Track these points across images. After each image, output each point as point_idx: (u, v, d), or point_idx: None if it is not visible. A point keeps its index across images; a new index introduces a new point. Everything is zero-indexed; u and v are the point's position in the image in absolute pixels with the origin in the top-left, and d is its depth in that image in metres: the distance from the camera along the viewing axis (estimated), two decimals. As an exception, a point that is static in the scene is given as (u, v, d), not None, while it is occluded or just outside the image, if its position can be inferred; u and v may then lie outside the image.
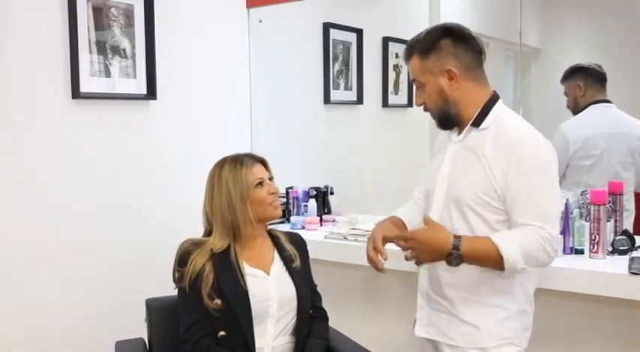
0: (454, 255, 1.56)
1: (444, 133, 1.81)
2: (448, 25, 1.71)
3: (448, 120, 1.72)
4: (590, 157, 2.69)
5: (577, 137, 2.70)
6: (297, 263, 1.96)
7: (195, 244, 1.89)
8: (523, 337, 1.70)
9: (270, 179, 1.97)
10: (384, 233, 1.72)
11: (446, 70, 1.66)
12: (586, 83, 2.78)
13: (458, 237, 1.58)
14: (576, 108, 2.84)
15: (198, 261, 1.84)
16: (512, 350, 1.67)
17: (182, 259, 1.86)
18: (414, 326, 1.82)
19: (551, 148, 1.65)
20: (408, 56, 1.73)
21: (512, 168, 1.58)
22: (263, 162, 1.98)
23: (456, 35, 1.68)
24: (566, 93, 2.88)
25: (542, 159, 1.61)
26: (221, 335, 1.80)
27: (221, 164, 1.94)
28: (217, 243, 1.88)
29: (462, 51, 1.67)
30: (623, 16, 3.29)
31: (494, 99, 1.70)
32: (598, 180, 2.52)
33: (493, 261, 1.56)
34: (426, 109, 1.75)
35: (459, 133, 1.73)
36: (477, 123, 1.68)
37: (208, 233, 1.94)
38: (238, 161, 1.93)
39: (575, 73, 2.84)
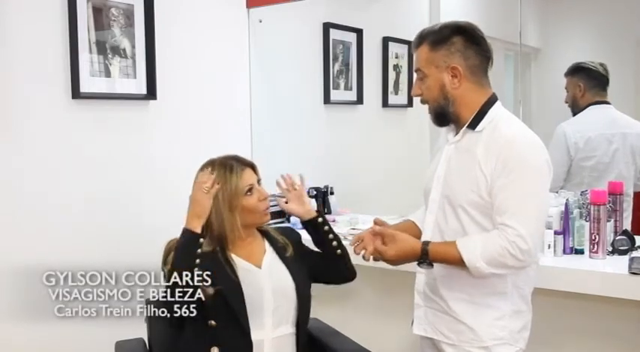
0: (423, 264, 1.66)
1: (443, 134, 1.81)
2: (464, 24, 1.72)
3: (445, 116, 1.72)
4: (591, 158, 2.69)
5: (578, 138, 2.70)
6: (290, 251, 1.95)
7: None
8: (520, 337, 1.70)
9: (259, 182, 1.94)
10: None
11: (451, 67, 1.67)
12: (587, 84, 2.77)
13: (426, 244, 1.65)
14: (574, 107, 2.83)
15: None
16: (508, 351, 1.67)
17: (166, 259, 1.85)
18: (412, 324, 1.83)
19: (543, 151, 1.64)
20: (418, 44, 1.73)
21: (498, 168, 1.59)
22: (252, 166, 1.93)
23: (469, 36, 1.69)
24: (566, 89, 2.87)
25: (529, 160, 1.60)
26: (211, 325, 1.79)
27: (209, 168, 1.88)
28: (204, 247, 1.85)
29: (471, 52, 1.68)
30: (623, 16, 3.30)
31: (491, 101, 1.70)
32: (601, 182, 2.52)
33: (460, 266, 1.62)
34: (422, 101, 1.75)
35: (456, 134, 1.73)
36: (473, 125, 1.68)
37: None
38: (227, 166, 1.88)
39: (576, 71, 2.82)
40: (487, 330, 1.66)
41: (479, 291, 1.67)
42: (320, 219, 1.95)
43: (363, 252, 1.75)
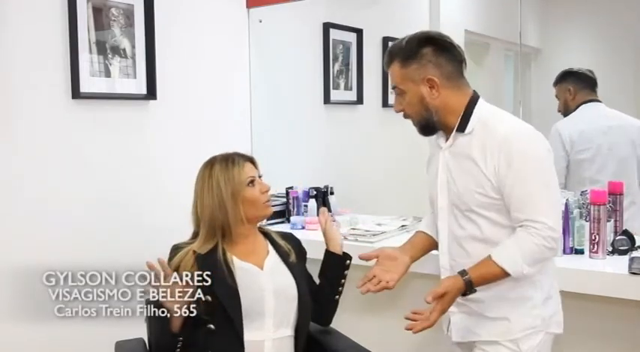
0: (469, 293, 1.62)
1: (432, 139, 1.80)
2: (429, 33, 1.71)
3: (429, 126, 1.72)
4: (587, 150, 2.71)
5: (571, 132, 2.74)
6: (293, 258, 1.96)
7: (180, 247, 1.90)
8: (553, 322, 1.71)
9: (260, 177, 1.96)
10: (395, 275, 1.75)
11: (427, 79, 1.66)
12: (576, 87, 2.83)
13: (465, 275, 1.61)
14: (566, 111, 2.88)
15: (177, 262, 1.85)
16: (539, 338, 1.68)
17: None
18: (447, 330, 1.82)
19: (541, 139, 1.64)
20: (389, 62, 1.72)
21: (502, 165, 1.59)
22: (252, 161, 1.97)
23: (438, 44, 1.67)
24: (557, 97, 2.92)
25: (531, 151, 1.61)
26: (209, 328, 1.80)
27: (211, 163, 1.93)
28: (202, 245, 1.87)
29: (442, 60, 1.67)
30: (623, 16, 3.30)
31: (473, 100, 1.69)
32: (602, 175, 2.53)
33: (503, 279, 1.62)
34: (405, 116, 1.75)
35: (447, 139, 1.72)
36: (462, 128, 1.67)
37: (195, 235, 1.93)
38: (229, 160, 1.91)
39: (565, 77, 2.88)
40: (523, 321, 1.67)
41: (508, 286, 1.66)
42: (348, 262, 2.00)
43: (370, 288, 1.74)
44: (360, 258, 1.83)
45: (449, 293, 1.61)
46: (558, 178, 2.60)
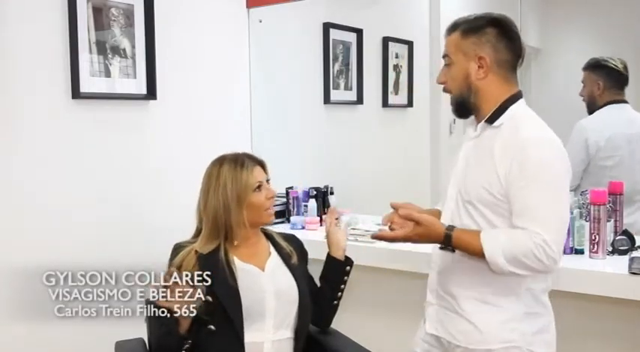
0: (446, 247, 1.62)
1: (464, 129, 1.79)
2: (501, 17, 1.69)
3: (465, 107, 1.70)
4: (612, 157, 2.66)
5: (599, 137, 2.66)
6: (295, 259, 1.96)
7: (181, 246, 1.89)
8: (536, 340, 1.65)
9: (267, 181, 1.96)
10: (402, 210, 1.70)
11: (479, 57, 1.64)
12: (605, 84, 2.72)
13: (450, 230, 1.61)
14: (591, 104, 2.78)
15: (178, 261, 1.85)
16: None
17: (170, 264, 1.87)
18: (424, 322, 1.80)
19: (561, 152, 1.60)
20: (451, 31, 1.71)
21: (514, 170, 1.56)
22: (262, 164, 1.96)
23: (504, 30, 1.66)
24: (583, 82, 2.81)
25: (546, 163, 1.56)
26: (209, 329, 1.80)
27: (220, 163, 1.92)
28: (204, 245, 1.87)
29: (501, 46, 1.65)
30: (624, 16, 3.30)
31: (514, 97, 1.67)
32: (622, 180, 2.50)
33: (480, 258, 1.58)
34: (445, 90, 1.73)
35: (475, 129, 1.70)
36: (492, 120, 1.65)
37: (198, 232, 1.93)
38: (238, 161, 1.90)
39: (597, 68, 2.75)
40: (495, 332, 1.63)
41: (493, 291, 1.63)
42: (349, 268, 2.00)
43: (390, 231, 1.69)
44: (391, 205, 1.75)
45: (423, 226, 1.60)
46: (574, 180, 2.58)
